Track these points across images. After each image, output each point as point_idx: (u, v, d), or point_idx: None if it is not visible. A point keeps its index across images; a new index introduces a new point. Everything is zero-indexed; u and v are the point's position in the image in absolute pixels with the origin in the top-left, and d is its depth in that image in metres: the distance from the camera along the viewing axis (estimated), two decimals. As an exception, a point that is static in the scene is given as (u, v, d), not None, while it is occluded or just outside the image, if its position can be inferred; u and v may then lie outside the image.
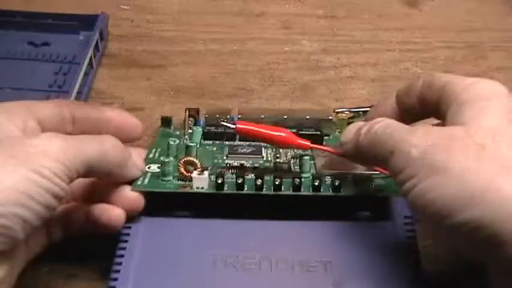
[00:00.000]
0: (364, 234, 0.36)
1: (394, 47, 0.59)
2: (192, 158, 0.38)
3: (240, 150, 0.41)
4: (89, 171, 0.33)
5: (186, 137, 0.44)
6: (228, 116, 0.43)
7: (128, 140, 0.41)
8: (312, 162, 0.40)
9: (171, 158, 0.38)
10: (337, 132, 0.45)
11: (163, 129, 0.45)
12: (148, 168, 0.39)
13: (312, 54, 0.58)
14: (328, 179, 0.38)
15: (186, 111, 0.45)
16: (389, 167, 0.32)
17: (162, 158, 0.38)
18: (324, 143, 0.43)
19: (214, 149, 0.42)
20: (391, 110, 0.39)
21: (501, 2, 0.66)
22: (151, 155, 0.41)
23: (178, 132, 0.45)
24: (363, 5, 0.65)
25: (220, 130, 0.43)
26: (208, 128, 0.44)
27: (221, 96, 0.53)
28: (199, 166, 0.38)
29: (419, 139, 0.31)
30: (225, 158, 0.41)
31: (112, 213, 0.36)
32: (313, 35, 0.60)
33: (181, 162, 0.38)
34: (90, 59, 0.53)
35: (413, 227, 0.37)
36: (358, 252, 0.36)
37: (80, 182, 0.37)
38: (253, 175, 0.37)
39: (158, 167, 0.39)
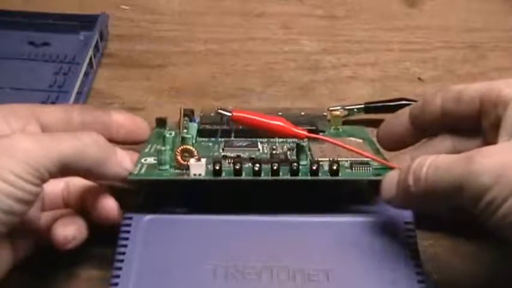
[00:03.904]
0: (364, 236, 0.36)
1: (394, 47, 0.59)
2: (188, 146, 0.37)
3: (236, 144, 0.41)
4: (64, 169, 0.32)
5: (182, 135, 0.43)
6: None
7: (136, 142, 0.41)
8: (309, 152, 0.39)
9: (167, 147, 0.37)
10: (332, 130, 0.45)
11: (158, 130, 0.45)
12: (145, 160, 0.38)
13: (312, 54, 0.58)
14: (325, 165, 0.37)
15: (180, 111, 0.45)
16: (462, 203, 0.31)
17: (158, 147, 0.37)
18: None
19: (210, 144, 0.42)
20: (404, 128, 0.39)
21: (501, 2, 0.66)
22: (146, 149, 0.40)
23: (173, 132, 0.44)
24: (363, 5, 0.65)
25: (215, 127, 0.43)
26: (203, 125, 0.44)
27: (221, 96, 0.53)
28: (196, 154, 0.37)
29: (484, 164, 0.30)
30: (221, 151, 0.41)
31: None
32: (313, 35, 0.60)
33: (178, 150, 0.37)
34: (90, 59, 0.53)
35: (414, 231, 0.37)
36: (358, 258, 0.35)
37: (76, 186, 0.37)
38: (250, 164, 0.37)
39: (154, 159, 0.38)
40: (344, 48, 0.59)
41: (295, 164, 0.36)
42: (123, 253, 0.35)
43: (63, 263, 0.37)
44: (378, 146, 0.42)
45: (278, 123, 0.38)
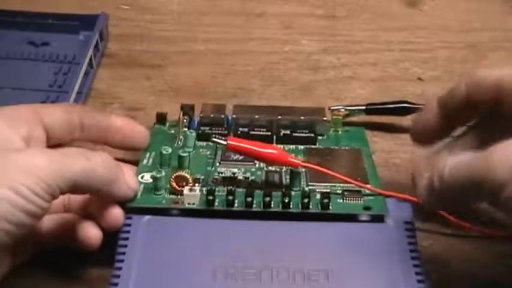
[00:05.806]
0: (363, 238, 0.36)
1: (394, 47, 0.59)
2: (183, 174, 0.38)
3: (232, 157, 0.41)
4: (74, 188, 0.33)
5: (181, 137, 0.43)
6: (220, 130, 0.44)
7: (134, 148, 0.41)
8: (303, 171, 0.40)
9: (163, 174, 0.38)
10: (331, 132, 0.45)
11: (157, 127, 0.45)
12: (142, 178, 0.39)
13: (312, 54, 0.58)
14: (317, 196, 0.38)
15: (181, 108, 0.45)
16: (483, 199, 0.32)
17: (154, 173, 0.38)
18: (317, 144, 0.44)
19: (208, 153, 0.42)
20: (433, 117, 0.39)
21: (501, 2, 0.66)
22: (144, 161, 0.41)
23: (173, 131, 0.44)
24: (363, 4, 0.65)
25: (214, 130, 0.43)
26: (202, 128, 0.44)
27: (221, 96, 0.52)
28: (190, 181, 0.38)
29: (501, 160, 0.30)
30: (217, 164, 0.41)
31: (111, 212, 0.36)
32: (313, 35, 0.60)
33: (173, 177, 0.38)
34: (90, 59, 0.53)
35: (414, 232, 0.37)
36: (358, 258, 0.35)
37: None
38: (243, 189, 0.38)
39: (151, 176, 0.39)
40: (344, 48, 0.59)
41: (287, 197, 0.37)
42: (123, 253, 0.35)
43: (63, 263, 0.37)
44: (373, 157, 0.42)
45: (273, 151, 0.39)
